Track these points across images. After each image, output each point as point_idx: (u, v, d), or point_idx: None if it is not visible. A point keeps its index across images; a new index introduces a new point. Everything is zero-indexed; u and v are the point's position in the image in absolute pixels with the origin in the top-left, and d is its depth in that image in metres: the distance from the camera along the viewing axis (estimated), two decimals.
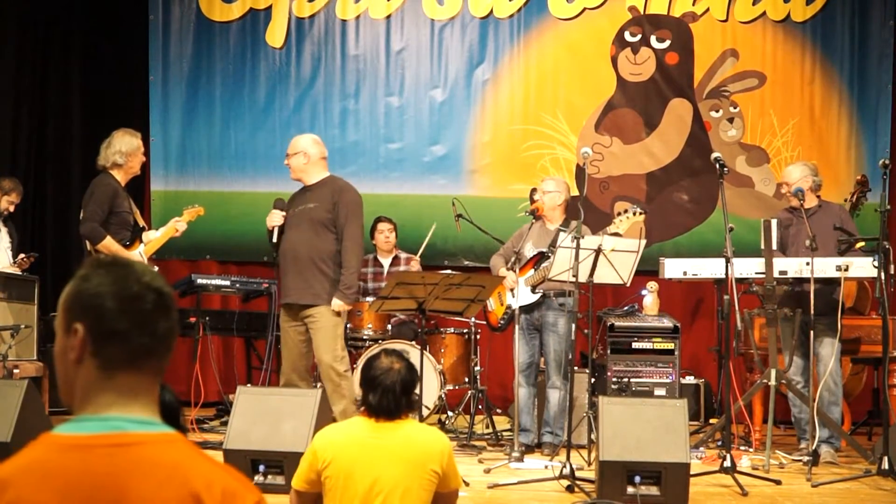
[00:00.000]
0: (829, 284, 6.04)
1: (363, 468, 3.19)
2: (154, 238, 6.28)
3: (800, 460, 5.95)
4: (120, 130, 6.25)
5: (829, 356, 6.02)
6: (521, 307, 6.23)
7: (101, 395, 1.49)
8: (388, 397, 3.25)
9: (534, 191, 7.18)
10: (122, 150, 6.10)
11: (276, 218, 5.98)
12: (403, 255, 7.79)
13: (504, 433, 6.75)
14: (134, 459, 1.44)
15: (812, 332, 5.93)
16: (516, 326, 6.17)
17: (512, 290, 6.31)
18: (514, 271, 6.29)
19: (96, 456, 1.44)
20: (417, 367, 5.70)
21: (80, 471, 1.44)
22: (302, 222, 5.89)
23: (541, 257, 6.28)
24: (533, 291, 6.30)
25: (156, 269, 1.59)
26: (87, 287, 1.49)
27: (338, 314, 5.82)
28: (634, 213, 6.08)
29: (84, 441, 1.46)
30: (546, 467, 5.62)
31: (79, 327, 1.49)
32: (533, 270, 6.28)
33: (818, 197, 6.32)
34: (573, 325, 5.85)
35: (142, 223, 6.34)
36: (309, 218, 5.88)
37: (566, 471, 5.06)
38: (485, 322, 6.81)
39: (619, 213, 6.18)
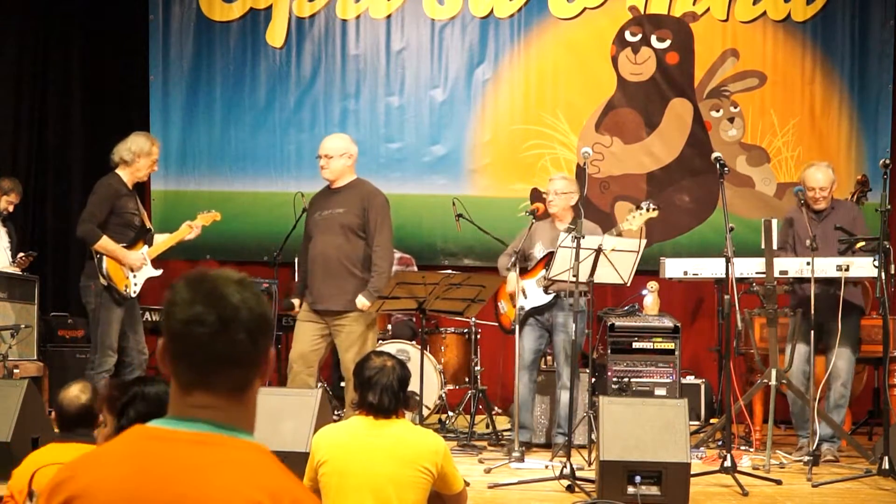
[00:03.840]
0: (855, 286, 6.09)
1: (357, 465, 3.24)
2: (162, 240, 6.27)
3: (800, 460, 5.95)
4: (139, 132, 6.30)
5: (843, 369, 6.06)
6: (534, 307, 6.21)
7: (186, 407, 1.54)
8: (388, 394, 3.29)
9: (535, 191, 7.17)
10: (133, 148, 6.10)
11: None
12: (398, 255, 7.76)
13: (504, 433, 6.75)
14: (211, 458, 1.49)
15: (827, 338, 5.97)
16: (519, 325, 6.16)
17: (513, 293, 6.28)
18: (516, 271, 6.27)
19: (176, 448, 1.49)
20: (418, 367, 5.75)
21: (158, 458, 1.49)
22: (331, 228, 5.84)
23: (551, 257, 6.25)
24: (546, 292, 6.27)
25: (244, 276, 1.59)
26: (166, 304, 1.55)
27: (369, 320, 5.78)
28: (648, 210, 6.06)
29: (169, 434, 1.52)
30: (546, 467, 5.62)
31: (160, 342, 1.57)
32: (544, 271, 6.23)
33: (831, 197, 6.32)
34: (583, 326, 5.83)
35: (149, 225, 6.34)
36: (339, 223, 5.82)
37: (566, 471, 5.06)
38: (497, 324, 6.78)
39: (631, 210, 6.17)
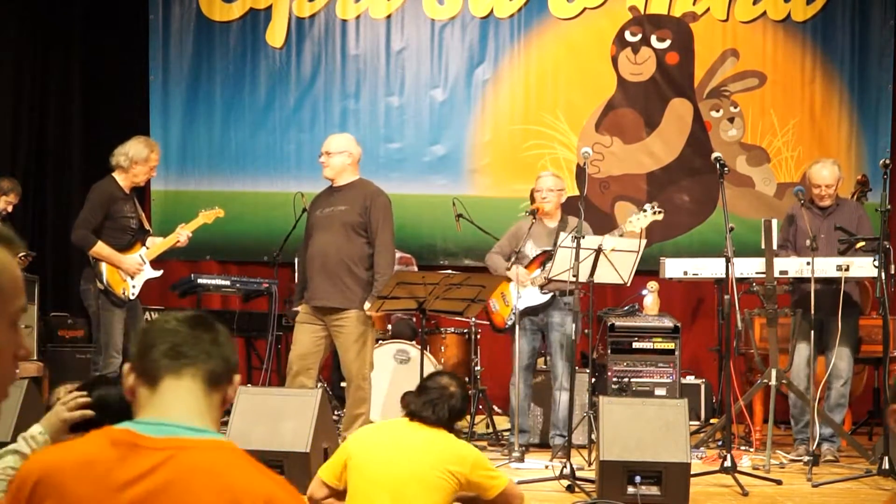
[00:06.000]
0: (856, 284, 6.11)
1: (377, 464, 3.29)
2: (158, 243, 6.27)
3: (799, 460, 5.95)
4: (139, 137, 6.27)
5: (843, 369, 6.06)
6: (528, 307, 6.19)
7: (149, 406, 1.61)
8: (428, 410, 3.34)
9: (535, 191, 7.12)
10: (130, 154, 6.09)
11: None
12: (398, 255, 7.75)
13: (504, 433, 6.74)
14: (183, 463, 1.51)
15: (826, 337, 5.97)
16: (517, 326, 6.14)
17: (521, 286, 6.24)
18: (517, 266, 6.24)
19: (145, 456, 1.53)
20: (418, 367, 5.75)
21: (128, 467, 1.52)
22: (332, 225, 5.79)
23: (547, 257, 6.23)
24: (542, 292, 6.24)
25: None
26: None
27: (367, 320, 5.75)
28: (654, 212, 6.04)
29: (137, 440, 1.55)
30: (546, 467, 5.62)
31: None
32: (539, 270, 6.22)
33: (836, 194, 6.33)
34: (579, 325, 5.81)
35: (147, 226, 6.34)
36: (340, 221, 5.78)
37: (566, 471, 5.06)
38: (488, 323, 6.77)
39: (635, 212, 6.15)
